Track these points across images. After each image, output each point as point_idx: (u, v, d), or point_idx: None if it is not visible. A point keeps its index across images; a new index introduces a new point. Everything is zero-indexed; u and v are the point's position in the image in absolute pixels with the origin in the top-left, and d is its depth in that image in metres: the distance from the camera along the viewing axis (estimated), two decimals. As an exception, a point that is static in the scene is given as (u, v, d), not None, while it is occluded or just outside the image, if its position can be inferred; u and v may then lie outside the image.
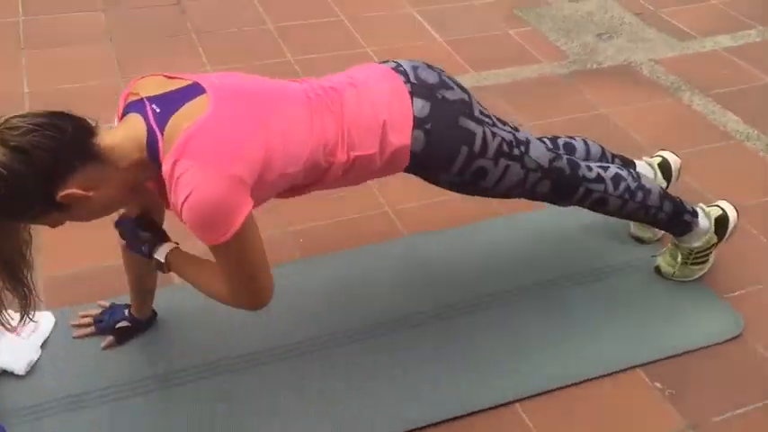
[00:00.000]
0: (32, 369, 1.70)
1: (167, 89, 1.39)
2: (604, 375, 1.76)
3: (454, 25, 3.28)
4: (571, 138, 1.96)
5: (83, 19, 3.17)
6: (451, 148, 1.56)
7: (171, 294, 1.86)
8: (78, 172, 1.28)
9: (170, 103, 1.35)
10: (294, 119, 1.43)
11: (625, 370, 1.78)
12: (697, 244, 1.95)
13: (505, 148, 1.62)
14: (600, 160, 1.96)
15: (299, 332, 1.81)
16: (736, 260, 2.08)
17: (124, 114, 1.39)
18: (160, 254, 1.51)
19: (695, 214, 1.93)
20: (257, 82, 1.50)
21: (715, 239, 1.96)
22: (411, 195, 2.23)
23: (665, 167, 2.11)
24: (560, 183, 1.73)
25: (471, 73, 2.93)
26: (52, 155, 1.24)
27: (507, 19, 3.35)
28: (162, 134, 1.32)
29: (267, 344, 1.79)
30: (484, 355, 1.79)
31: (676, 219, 1.91)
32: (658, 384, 1.75)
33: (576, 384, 1.74)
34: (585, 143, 1.96)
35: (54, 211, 1.30)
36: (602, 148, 1.99)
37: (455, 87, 1.61)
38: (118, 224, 1.56)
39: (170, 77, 1.42)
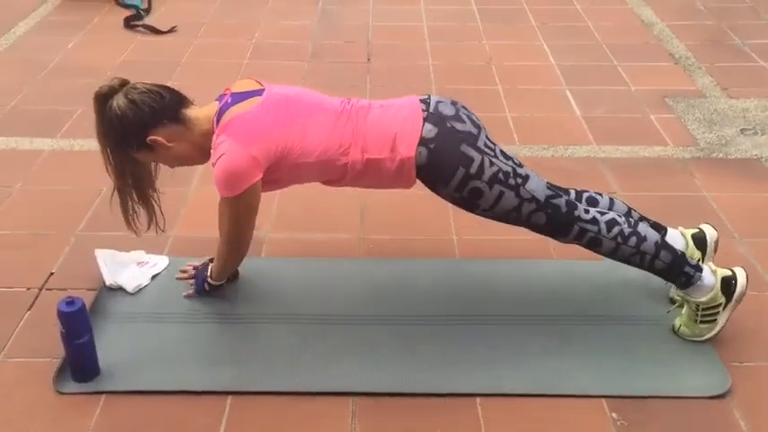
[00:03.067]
0: (139, 291, 2.31)
1: (247, 89, 1.99)
2: (569, 395, 1.96)
3: (599, 105, 3.55)
4: (599, 194, 2.19)
5: (291, 66, 3.94)
6: (450, 165, 1.94)
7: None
8: (165, 126, 1.93)
9: (239, 98, 1.95)
10: (317, 123, 1.94)
11: (590, 396, 1.96)
12: (703, 299, 2.05)
13: (501, 176, 1.95)
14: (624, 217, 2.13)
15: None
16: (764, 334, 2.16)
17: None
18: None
19: (698, 269, 2.05)
20: (307, 95, 2.03)
21: (721, 299, 2.04)
22: (480, 230, 2.49)
23: (699, 239, 2.22)
24: (555, 218, 2.00)
25: (592, 145, 3.18)
26: (150, 109, 1.91)
27: (655, 105, 3.54)
28: (222, 116, 1.92)
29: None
30: (466, 354, 2.08)
31: (676, 269, 2.05)
32: (614, 415, 1.91)
33: (538, 395, 1.96)
34: (612, 201, 2.18)
35: (145, 149, 1.94)
36: (630, 209, 2.18)
37: (467, 122, 1.98)
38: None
39: (257, 81, 2.02)
